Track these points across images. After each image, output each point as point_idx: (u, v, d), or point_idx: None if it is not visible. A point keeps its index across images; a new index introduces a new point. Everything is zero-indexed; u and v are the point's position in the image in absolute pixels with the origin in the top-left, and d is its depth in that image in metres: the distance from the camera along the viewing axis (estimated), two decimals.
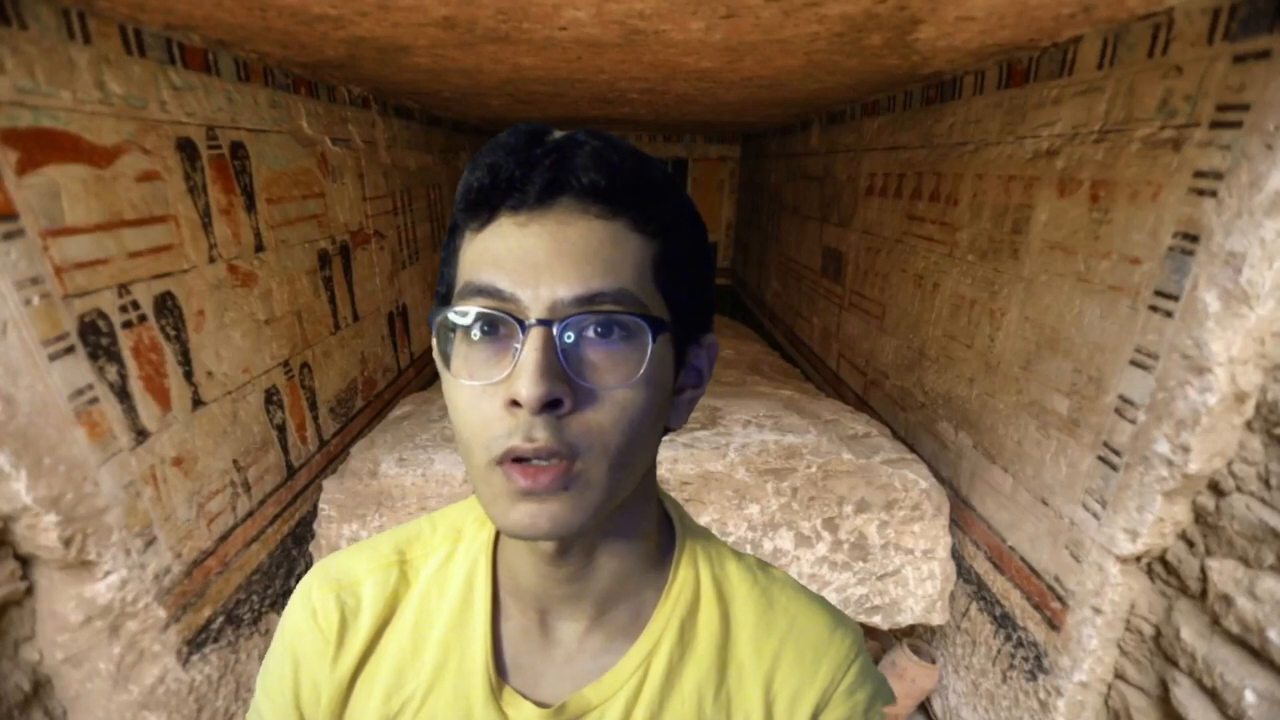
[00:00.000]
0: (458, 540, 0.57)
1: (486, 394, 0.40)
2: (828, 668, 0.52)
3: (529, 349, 0.39)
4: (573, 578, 0.50)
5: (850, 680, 0.52)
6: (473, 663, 0.52)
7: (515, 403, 0.39)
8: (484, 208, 0.43)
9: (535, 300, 0.40)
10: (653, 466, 0.51)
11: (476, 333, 0.41)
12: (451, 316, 0.42)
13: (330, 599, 0.54)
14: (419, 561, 0.56)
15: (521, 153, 0.42)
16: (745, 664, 0.52)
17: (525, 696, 0.51)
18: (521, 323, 0.40)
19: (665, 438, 0.51)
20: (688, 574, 0.54)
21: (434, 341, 0.44)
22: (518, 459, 0.40)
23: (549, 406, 0.39)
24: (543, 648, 0.53)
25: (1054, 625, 1.46)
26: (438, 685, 0.52)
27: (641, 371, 0.41)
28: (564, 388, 0.39)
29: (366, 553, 0.57)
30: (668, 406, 0.47)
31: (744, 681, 0.52)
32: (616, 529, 0.49)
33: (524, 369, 0.38)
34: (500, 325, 0.41)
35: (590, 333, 0.41)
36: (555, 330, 0.39)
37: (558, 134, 0.43)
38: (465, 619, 0.53)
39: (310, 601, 0.54)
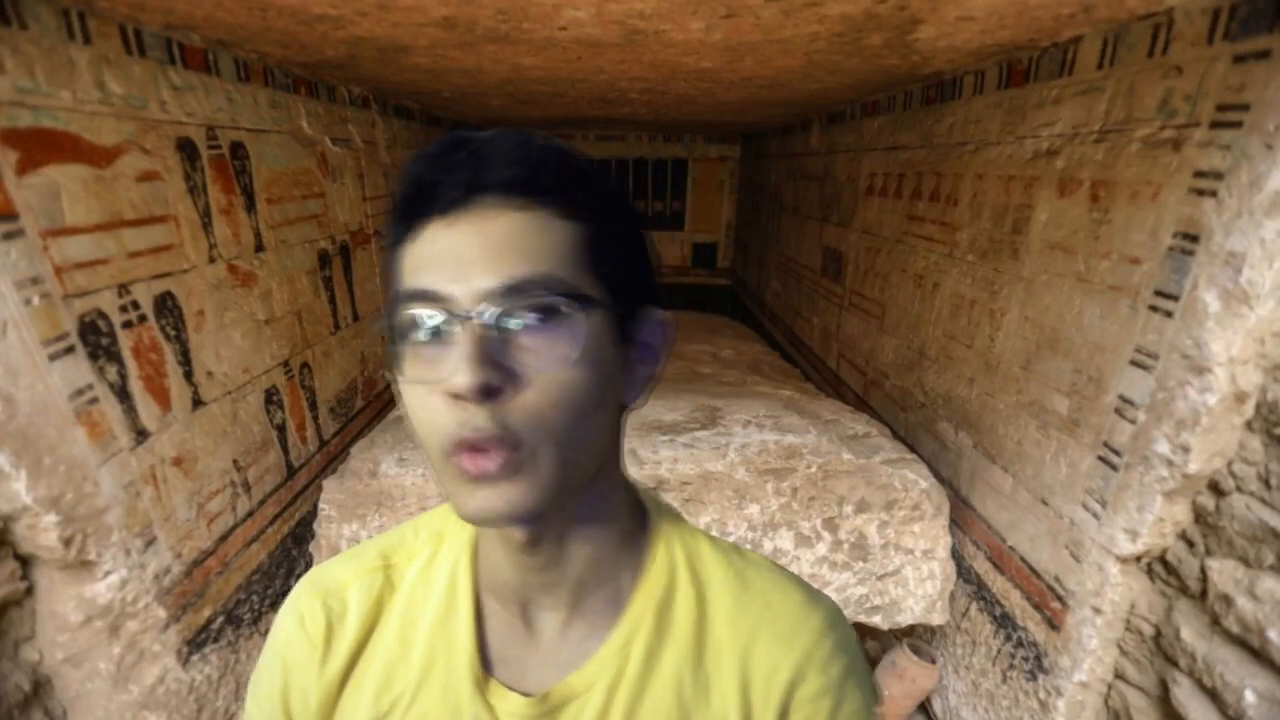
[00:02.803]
0: (440, 543, 0.58)
1: (433, 391, 0.42)
2: (802, 642, 0.52)
3: (463, 342, 0.41)
4: (547, 566, 0.51)
5: (824, 654, 0.52)
6: (459, 659, 0.53)
7: (456, 395, 0.40)
8: (413, 216, 0.44)
9: (466, 295, 0.41)
10: (615, 448, 0.51)
11: (420, 335, 0.43)
12: (393, 322, 0.44)
13: (316, 605, 0.55)
14: (403, 565, 0.58)
15: (441, 159, 0.43)
16: (722, 644, 0.52)
17: (511, 688, 0.52)
18: (456, 318, 0.41)
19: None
20: (663, 558, 0.55)
21: (386, 349, 0.46)
22: (468, 448, 0.41)
23: (487, 395, 0.40)
24: (526, 639, 0.54)
25: (1054, 625, 1.46)
26: (426, 683, 0.53)
27: (576, 351, 0.42)
28: (499, 374, 0.41)
29: (352, 560, 0.58)
30: (616, 384, 0.48)
31: (721, 661, 0.52)
32: (584, 513, 0.50)
33: (459, 361, 0.40)
34: (438, 324, 0.42)
35: (523, 319, 0.42)
36: (486, 320, 0.41)
37: (481, 136, 0.45)
38: (450, 617, 0.54)
39: (297, 609, 0.56)
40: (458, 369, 0.40)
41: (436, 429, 0.42)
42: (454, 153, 0.43)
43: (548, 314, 0.42)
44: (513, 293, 0.41)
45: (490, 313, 0.41)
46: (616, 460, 0.53)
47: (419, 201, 0.44)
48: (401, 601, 0.56)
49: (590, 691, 0.51)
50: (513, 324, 0.42)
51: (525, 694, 0.52)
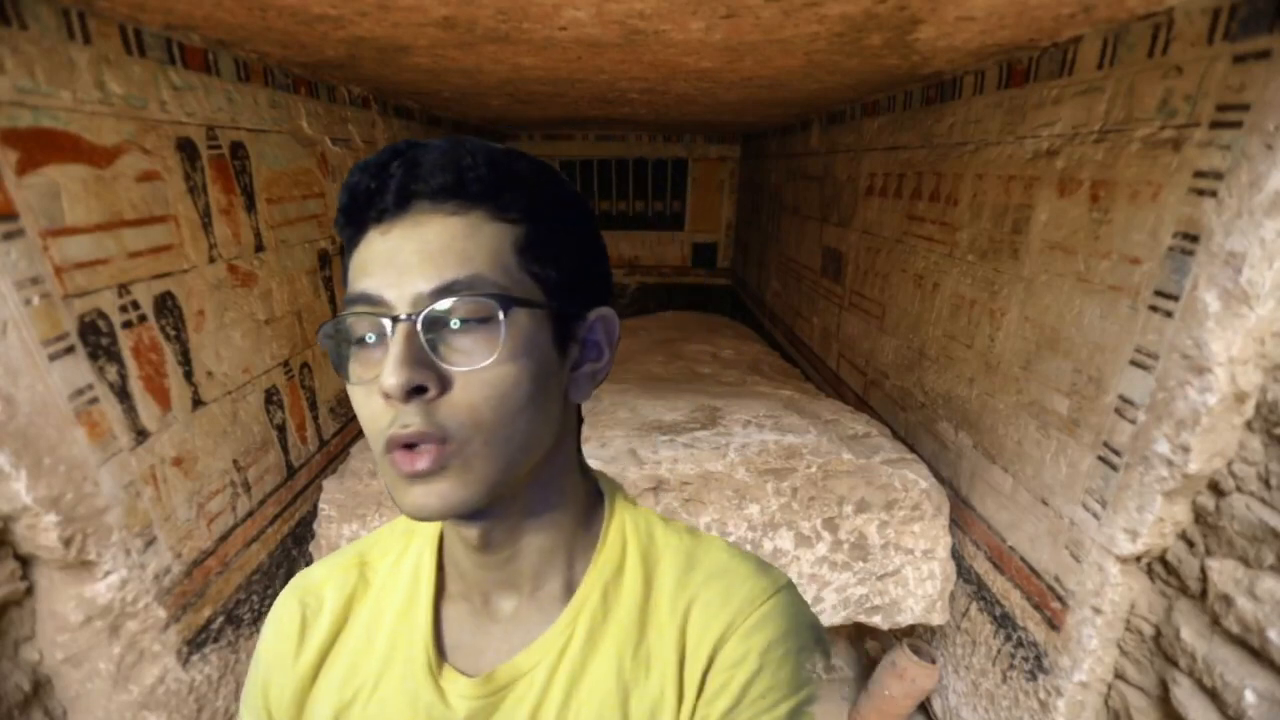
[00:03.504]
0: (410, 539, 0.60)
1: (371, 391, 0.44)
2: (732, 608, 0.51)
3: (393, 344, 0.42)
4: (504, 563, 0.53)
5: (753, 621, 0.50)
6: (416, 646, 0.55)
7: (386, 395, 0.42)
8: (352, 226, 0.46)
9: (400, 298, 0.43)
10: (564, 442, 0.53)
11: (364, 337, 0.45)
12: (333, 328, 0.46)
13: (294, 604, 0.59)
14: (377, 562, 0.60)
15: (376, 169, 0.45)
16: (663, 619, 0.53)
17: (465, 673, 0.54)
18: (389, 321, 0.43)
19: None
20: (615, 541, 0.56)
21: (328, 351, 0.47)
22: (402, 445, 0.43)
23: (413, 394, 0.42)
24: (484, 626, 0.56)
25: (1054, 625, 1.46)
26: (388, 672, 0.55)
27: (504, 349, 0.43)
28: (427, 374, 0.42)
29: (330, 560, 0.62)
30: (557, 381, 0.49)
31: (662, 636, 0.52)
32: (535, 508, 0.52)
33: (388, 362, 0.42)
34: (375, 327, 0.44)
35: (452, 320, 0.43)
36: (416, 322, 0.42)
37: (418, 144, 0.46)
38: (411, 608, 0.56)
39: (276, 611, 0.60)
40: (386, 370, 0.41)
41: (375, 428, 0.44)
42: (389, 162, 0.45)
43: (475, 314, 0.43)
44: (443, 294, 0.43)
45: (421, 315, 0.42)
46: (568, 453, 0.54)
47: (357, 211, 0.46)
48: (372, 596, 0.58)
49: (535, 670, 0.52)
50: (443, 325, 0.43)
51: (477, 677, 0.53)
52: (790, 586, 0.54)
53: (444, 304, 0.42)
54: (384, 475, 0.45)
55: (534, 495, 0.51)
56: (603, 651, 0.52)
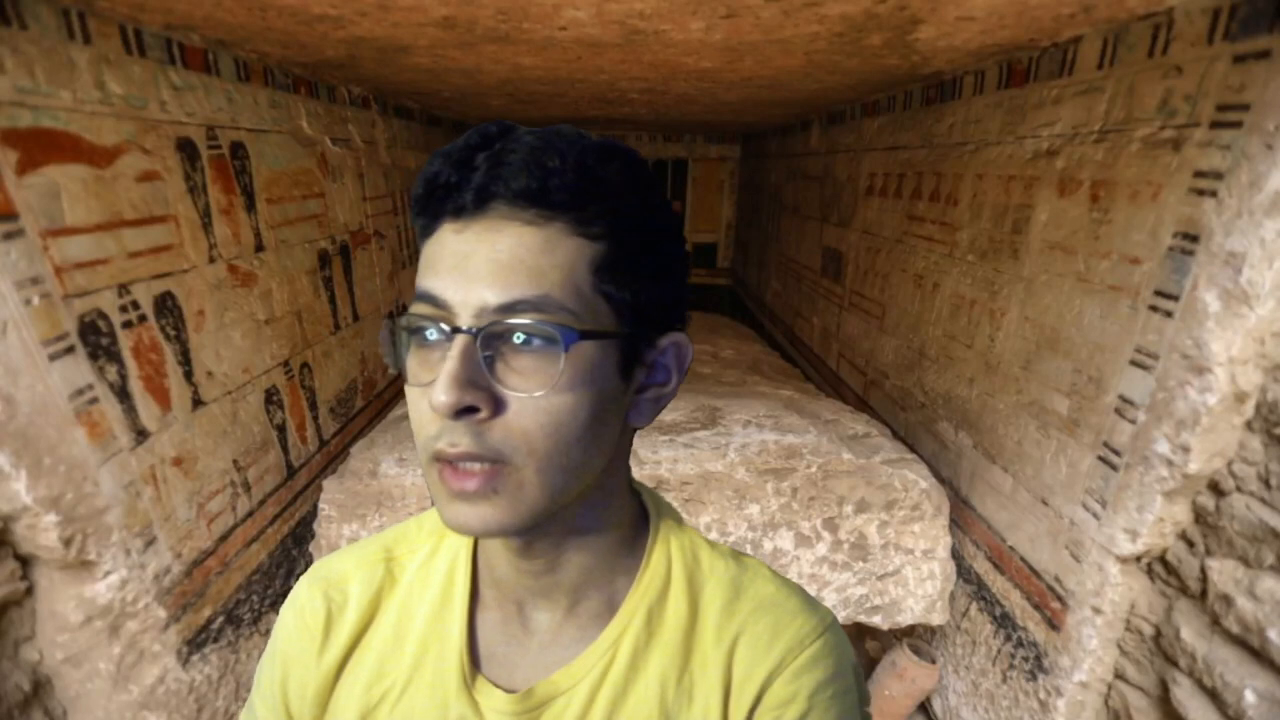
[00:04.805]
0: (442, 537, 0.58)
1: (424, 395, 0.42)
2: (781, 647, 0.51)
3: (449, 357, 0.40)
4: (543, 570, 0.51)
5: (802, 661, 0.50)
6: (449, 654, 0.53)
7: (437, 411, 0.40)
8: (427, 215, 0.44)
9: (464, 307, 0.41)
10: (616, 461, 0.51)
11: (426, 333, 0.43)
12: (398, 322, 0.44)
13: (318, 596, 0.56)
14: (405, 558, 0.58)
15: (459, 162, 0.42)
16: (708, 649, 0.52)
17: (498, 685, 0.52)
18: (448, 330, 0.41)
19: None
20: (660, 562, 0.55)
21: (383, 343, 0.46)
22: (448, 461, 0.42)
23: (466, 412, 0.40)
24: (520, 638, 0.54)
25: (1054, 625, 1.46)
26: (416, 676, 0.53)
27: (565, 378, 0.41)
28: (480, 395, 0.40)
29: (356, 552, 0.59)
30: (618, 407, 0.47)
31: (707, 666, 0.52)
32: (582, 524, 0.50)
33: (441, 377, 0.40)
34: (436, 331, 0.42)
35: (513, 339, 0.41)
36: (476, 338, 0.40)
37: (517, 132, 0.43)
38: (444, 612, 0.55)
39: (298, 601, 0.57)
40: (439, 386, 0.39)
41: (422, 434, 0.43)
42: (476, 152, 0.42)
43: (537, 338, 0.41)
44: (507, 312, 0.40)
45: (482, 330, 0.40)
46: (619, 474, 0.53)
47: (432, 202, 0.43)
48: (400, 594, 0.56)
49: (575, 689, 0.51)
50: (504, 342, 0.41)
51: (511, 691, 0.52)
52: (836, 624, 0.54)
53: (506, 323, 0.40)
54: (430, 483, 0.44)
55: (581, 513, 0.49)
56: (646, 675, 0.51)
